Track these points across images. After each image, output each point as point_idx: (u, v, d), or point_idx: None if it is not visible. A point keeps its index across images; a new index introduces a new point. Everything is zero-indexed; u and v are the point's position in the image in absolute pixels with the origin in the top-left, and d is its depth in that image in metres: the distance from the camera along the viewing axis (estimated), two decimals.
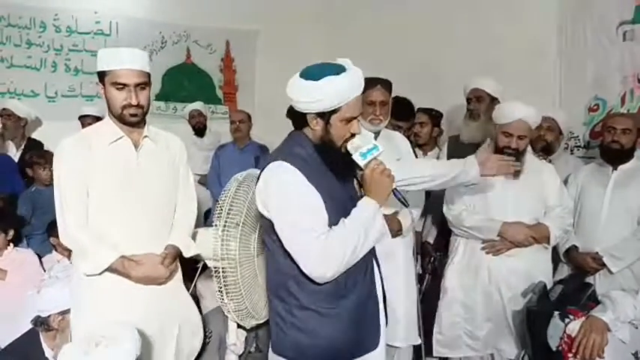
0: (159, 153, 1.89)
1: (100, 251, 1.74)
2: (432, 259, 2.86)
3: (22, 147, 3.73)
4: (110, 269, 1.74)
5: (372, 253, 1.55)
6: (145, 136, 1.85)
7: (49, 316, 2.10)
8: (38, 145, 3.76)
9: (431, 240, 2.90)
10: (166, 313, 1.88)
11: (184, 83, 4.83)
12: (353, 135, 1.47)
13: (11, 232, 2.78)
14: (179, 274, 1.99)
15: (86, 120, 4.04)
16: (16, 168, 3.47)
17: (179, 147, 2.01)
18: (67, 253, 3.07)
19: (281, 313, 1.50)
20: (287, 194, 1.42)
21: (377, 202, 1.44)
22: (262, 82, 5.10)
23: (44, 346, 2.14)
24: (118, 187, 1.77)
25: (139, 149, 1.84)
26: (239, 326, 2.13)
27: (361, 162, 1.44)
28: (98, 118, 4.09)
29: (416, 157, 2.77)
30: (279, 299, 1.51)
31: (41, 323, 2.12)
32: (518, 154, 2.16)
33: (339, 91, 1.40)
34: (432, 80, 3.85)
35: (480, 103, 2.76)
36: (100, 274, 1.74)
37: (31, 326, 2.23)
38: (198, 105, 4.53)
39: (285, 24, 5.00)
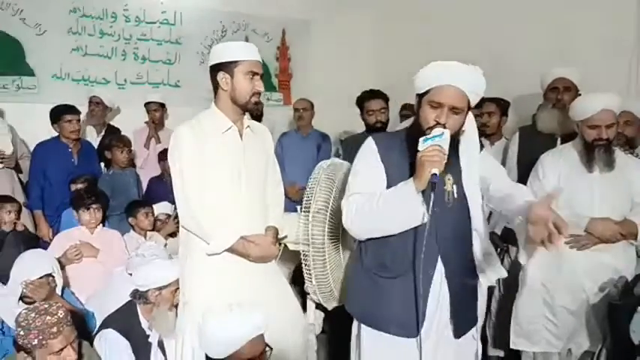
0: (256, 141, 2.04)
1: (222, 232, 1.88)
2: (498, 250, 2.87)
3: (103, 133, 3.95)
4: (230, 249, 1.89)
5: (436, 249, 1.61)
6: (247, 126, 1.99)
7: (147, 291, 2.27)
8: (117, 131, 3.98)
9: (498, 231, 2.91)
10: (270, 290, 2.01)
11: None
12: (437, 124, 1.53)
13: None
14: None
15: (151, 106, 4.24)
16: (95, 152, 3.69)
17: (267, 135, 2.17)
18: (144, 232, 3.29)
19: (350, 274, 1.67)
20: (357, 158, 1.70)
21: (414, 183, 1.51)
22: (315, 70, 5.19)
23: (141, 318, 2.31)
24: (229, 173, 1.91)
25: (243, 138, 1.98)
26: (317, 307, 2.26)
27: (420, 146, 1.50)
28: (162, 105, 4.30)
29: (482, 147, 2.79)
30: (353, 259, 1.65)
31: (140, 297, 2.30)
32: (610, 145, 2.14)
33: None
34: (491, 68, 3.81)
35: (567, 93, 2.69)
36: (219, 253, 1.88)
37: (123, 300, 2.43)
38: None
39: (339, 13, 5.06)
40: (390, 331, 1.65)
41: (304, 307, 2.25)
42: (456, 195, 1.62)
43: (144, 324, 2.29)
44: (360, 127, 3.45)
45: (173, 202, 3.50)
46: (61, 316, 1.78)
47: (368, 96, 3.11)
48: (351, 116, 4.45)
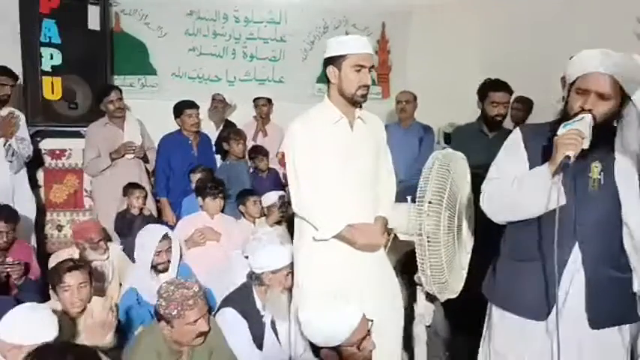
0: (367, 131, 2.08)
1: (331, 219, 1.96)
2: None
3: (221, 127, 4.25)
4: (338, 236, 1.97)
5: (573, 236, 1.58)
6: (358, 117, 2.05)
7: (262, 273, 2.42)
8: (233, 125, 4.27)
9: None
10: (375, 278, 2.06)
11: None
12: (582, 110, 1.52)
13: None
14: None
15: (259, 102, 4.48)
16: (212, 144, 3.99)
17: (380, 125, 2.19)
18: (253, 219, 3.49)
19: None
20: (502, 147, 1.75)
21: (548, 166, 1.52)
22: (415, 62, 5.14)
23: (256, 298, 2.47)
24: (340, 163, 1.98)
25: (354, 128, 2.04)
26: (427, 298, 2.25)
27: (560, 131, 1.51)
28: (269, 100, 4.52)
29: None
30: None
31: (255, 279, 2.46)
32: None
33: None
34: None
35: None
36: (328, 239, 1.97)
37: (239, 281, 2.62)
38: None
39: (439, 6, 4.95)
40: (519, 313, 1.67)
41: (413, 298, 2.27)
42: (602, 183, 1.57)
43: (258, 304, 2.44)
44: (463, 119, 3.36)
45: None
46: (196, 290, 1.98)
47: (494, 86, 2.91)
48: (454, 108, 4.37)
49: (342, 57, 1.92)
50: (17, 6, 3.80)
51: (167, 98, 4.21)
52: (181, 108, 3.71)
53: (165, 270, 2.71)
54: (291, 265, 2.42)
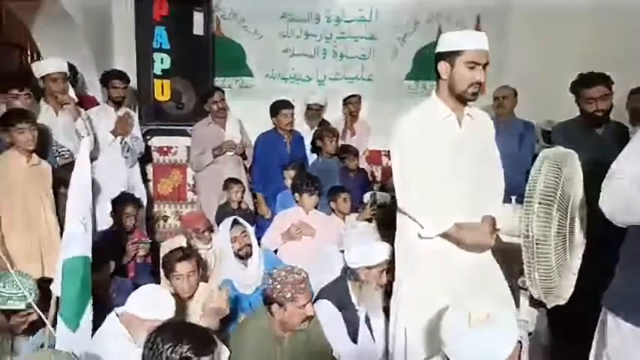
0: (476, 128, 2.04)
1: (437, 217, 1.95)
2: None
3: (316, 127, 4.36)
4: (444, 235, 1.95)
5: None
6: (467, 114, 2.02)
7: (357, 269, 2.47)
8: (328, 123, 4.38)
9: None
10: (483, 280, 2.02)
11: (434, 61, 4.95)
12: None
13: None
14: None
15: (351, 100, 4.53)
16: (304, 142, 4.13)
17: (488, 122, 2.14)
18: (343, 216, 3.56)
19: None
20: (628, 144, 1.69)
21: None
22: (511, 57, 4.90)
23: (351, 292, 2.53)
24: (447, 160, 1.96)
25: (462, 125, 2.01)
26: (531, 304, 2.17)
27: None
28: (359, 99, 4.56)
29: None
30: None
31: (350, 273, 2.52)
32: None
33: None
34: None
35: None
36: (433, 238, 1.96)
37: (333, 275, 2.70)
38: None
39: None
40: (632, 321, 1.59)
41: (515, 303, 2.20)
42: None
43: (353, 299, 2.50)
44: (564, 116, 3.17)
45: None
46: (304, 275, 2.10)
47: (586, 82, 2.75)
48: (552, 104, 4.11)
49: (456, 53, 1.89)
50: (133, 15, 4.18)
51: (262, 98, 4.40)
52: (277, 108, 3.87)
53: (248, 255, 2.82)
54: (387, 262, 2.47)
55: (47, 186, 2.80)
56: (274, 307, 2.11)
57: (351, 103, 4.51)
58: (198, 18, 4.31)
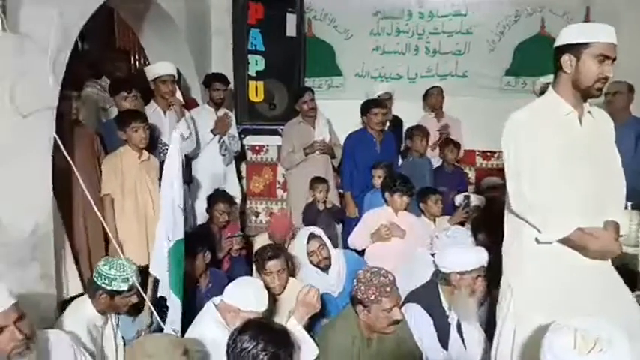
0: (597, 127, 1.89)
1: (557, 221, 1.80)
2: None
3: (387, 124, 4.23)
4: (564, 240, 1.79)
5: None
6: (588, 112, 1.87)
7: (449, 273, 2.37)
8: (400, 121, 4.30)
9: None
10: (605, 291, 1.84)
11: (536, 56, 4.64)
12: None
13: None
14: None
15: (433, 91, 4.39)
16: (395, 142, 4.06)
17: (609, 122, 1.98)
18: (433, 218, 3.44)
19: None
20: None
21: None
22: (626, 50, 4.42)
23: (442, 297, 2.43)
24: (566, 160, 1.82)
25: (582, 123, 1.86)
26: None
27: None
28: (441, 90, 4.39)
29: None
30: None
31: (441, 277, 2.43)
32: None
33: None
34: None
35: None
36: (552, 242, 1.81)
37: (422, 279, 2.61)
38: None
39: None
40: None
41: None
42: None
43: (444, 304, 2.41)
44: None
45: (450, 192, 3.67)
46: (391, 278, 2.05)
47: None
48: None
49: (583, 45, 1.76)
50: (230, 19, 4.37)
51: (351, 97, 4.40)
52: (368, 107, 3.84)
53: (327, 267, 2.83)
54: (483, 268, 2.34)
55: (155, 180, 3.00)
56: (359, 307, 2.09)
57: (433, 95, 4.36)
58: (290, 20, 4.41)
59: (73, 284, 2.64)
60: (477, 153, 4.67)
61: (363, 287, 2.05)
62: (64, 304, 2.44)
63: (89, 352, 2.05)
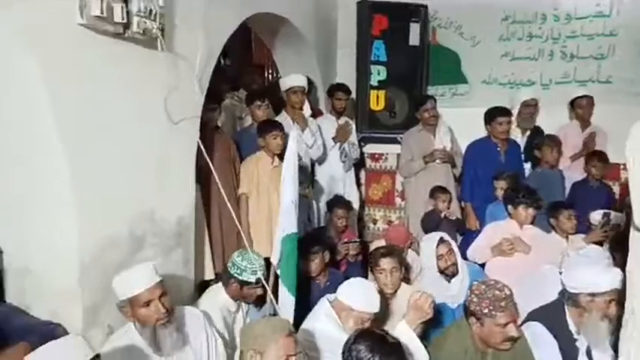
0: None
1: None
2: None
3: (528, 133, 4.08)
4: None
5: None
6: None
7: (577, 294, 2.19)
8: (541, 131, 4.03)
9: None
10: None
11: None
12: None
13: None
14: None
15: (582, 102, 4.04)
16: (520, 151, 3.85)
17: None
18: (564, 234, 3.18)
19: None
20: None
21: None
22: None
23: (568, 319, 2.25)
24: None
25: None
26: None
27: None
28: (592, 100, 4.03)
29: None
30: None
31: (568, 298, 2.25)
32: None
33: None
34: None
35: None
36: None
37: (547, 297, 2.43)
38: None
39: None
40: None
41: None
42: None
43: (571, 326, 2.23)
44: None
45: (594, 208, 3.34)
46: (507, 293, 1.97)
47: None
48: None
49: None
50: (355, 32, 4.53)
51: (476, 105, 4.26)
52: (493, 115, 3.70)
53: (454, 274, 2.76)
54: (617, 291, 2.13)
55: None
56: (472, 319, 2.04)
57: (582, 107, 4.00)
58: (414, 29, 4.42)
59: (208, 270, 2.98)
60: (622, 167, 4.19)
61: (475, 299, 2.00)
62: (200, 286, 2.76)
63: (220, 335, 2.28)
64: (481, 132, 3.93)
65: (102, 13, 1.85)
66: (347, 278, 2.82)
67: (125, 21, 1.97)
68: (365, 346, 1.70)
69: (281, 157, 3.35)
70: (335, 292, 2.36)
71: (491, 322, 1.97)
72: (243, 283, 2.42)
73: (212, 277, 3.01)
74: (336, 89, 4.16)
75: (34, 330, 1.83)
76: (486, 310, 1.96)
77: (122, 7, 1.94)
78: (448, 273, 2.76)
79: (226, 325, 2.44)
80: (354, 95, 4.42)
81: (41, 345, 1.64)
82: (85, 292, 1.97)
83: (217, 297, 2.47)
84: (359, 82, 4.48)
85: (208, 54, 2.66)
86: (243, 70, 4.74)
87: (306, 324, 2.26)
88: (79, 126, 1.94)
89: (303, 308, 2.55)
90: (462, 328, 2.11)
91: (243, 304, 2.55)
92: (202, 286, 2.78)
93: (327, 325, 2.18)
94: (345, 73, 4.71)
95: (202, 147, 2.58)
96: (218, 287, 2.53)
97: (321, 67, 4.50)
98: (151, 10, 2.08)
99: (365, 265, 3.52)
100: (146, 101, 2.27)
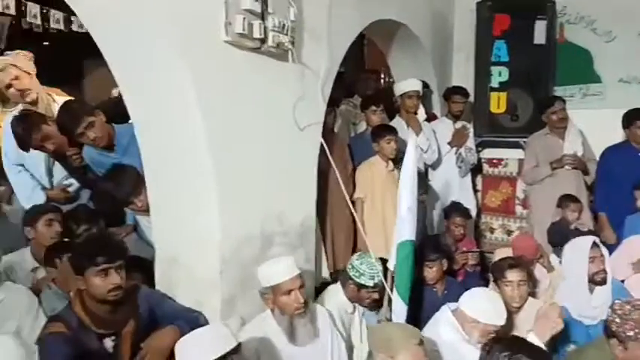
0: None
1: None
2: None
3: None
4: None
5: None
6: None
7: None
8: None
9: None
10: None
11: None
12: None
13: None
14: None
15: None
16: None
17: None
18: None
19: None
20: None
21: None
22: None
23: None
24: None
25: None
26: None
27: None
28: None
29: None
30: None
31: None
32: None
33: None
34: None
35: None
36: None
37: None
38: None
39: None
40: None
41: None
42: None
43: None
44: None
45: None
46: None
47: None
48: None
49: None
50: (473, 34, 4.38)
51: (612, 106, 3.91)
52: (633, 117, 3.35)
53: (603, 281, 2.52)
54: None
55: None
56: (612, 341, 1.86)
57: None
58: (539, 27, 4.15)
59: (323, 271, 3.08)
60: None
61: (618, 320, 1.83)
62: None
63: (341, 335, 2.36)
64: (616, 136, 3.60)
65: (243, 30, 2.02)
66: (466, 289, 2.76)
67: (262, 36, 2.13)
68: (509, 353, 1.62)
69: (395, 161, 3.39)
70: (454, 301, 2.31)
71: (636, 347, 1.79)
72: (361, 286, 2.48)
73: (327, 277, 3.11)
74: (453, 92, 4.08)
75: (180, 316, 2.04)
76: (632, 333, 1.79)
77: (260, 23, 2.10)
78: (597, 279, 2.51)
79: (343, 325, 2.50)
80: (471, 98, 4.28)
81: (188, 329, 1.83)
82: (224, 284, 2.15)
83: (335, 297, 2.54)
84: (477, 84, 4.32)
85: (331, 63, 2.76)
86: (358, 76, 4.82)
87: (425, 331, 2.25)
88: (223, 132, 2.13)
89: (413, 314, 2.56)
90: (602, 349, 1.94)
91: (359, 306, 2.60)
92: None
93: (452, 335, 2.15)
94: (461, 76, 4.58)
95: (327, 149, 2.67)
96: (337, 287, 2.60)
97: (436, 70, 4.42)
98: (284, 25, 2.22)
99: (483, 275, 3.39)
100: (277, 109, 2.42)
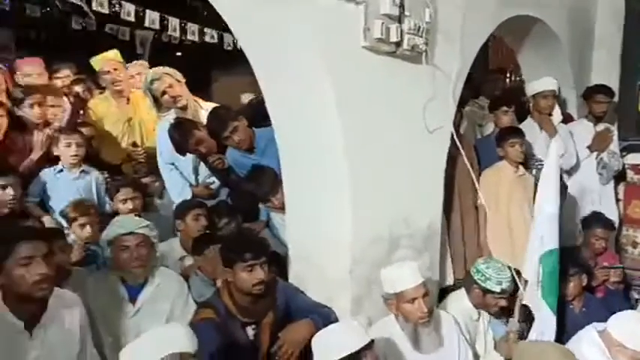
0: None
1: None
2: None
3: None
4: None
5: None
6: None
7: None
8: None
9: None
10: None
11: None
12: None
13: None
14: None
15: None
16: None
17: None
18: None
19: None
20: None
21: None
22: None
23: None
24: None
25: None
26: None
27: None
28: None
29: None
30: None
31: None
32: None
33: None
34: None
35: None
36: None
37: None
38: None
39: None
40: None
41: None
42: None
43: None
44: None
45: None
46: None
47: None
48: None
49: None
50: (617, 29, 3.98)
51: None
52: None
53: None
54: None
55: (529, 196, 3.05)
56: None
57: None
58: None
59: (449, 277, 2.99)
60: None
61: None
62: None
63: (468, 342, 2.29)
64: None
65: (381, 34, 2.05)
66: (607, 308, 2.55)
67: (399, 39, 2.14)
68: None
69: (526, 165, 3.18)
70: (593, 318, 2.18)
71: None
72: (486, 291, 2.39)
73: (452, 283, 3.02)
74: (596, 92, 3.73)
75: (313, 310, 2.13)
76: None
77: (397, 26, 2.12)
78: None
79: (468, 332, 2.42)
80: (615, 98, 3.89)
81: (322, 323, 1.91)
82: (354, 283, 2.20)
83: (460, 303, 2.48)
84: (624, 82, 3.92)
85: (462, 64, 2.69)
86: (484, 77, 4.62)
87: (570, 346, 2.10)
88: (358, 135, 2.19)
89: None
90: None
91: (484, 313, 2.50)
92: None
93: (596, 357, 2.00)
94: (602, 74, 4.16)
95: (463, 153, 2.61)
96: (461, 293, 2.54)
97: (574, 69, 4.08)
98: (419, 27, 2.22)
99: (627, 294, 3.07)
100: (408, 111, 2.42)
